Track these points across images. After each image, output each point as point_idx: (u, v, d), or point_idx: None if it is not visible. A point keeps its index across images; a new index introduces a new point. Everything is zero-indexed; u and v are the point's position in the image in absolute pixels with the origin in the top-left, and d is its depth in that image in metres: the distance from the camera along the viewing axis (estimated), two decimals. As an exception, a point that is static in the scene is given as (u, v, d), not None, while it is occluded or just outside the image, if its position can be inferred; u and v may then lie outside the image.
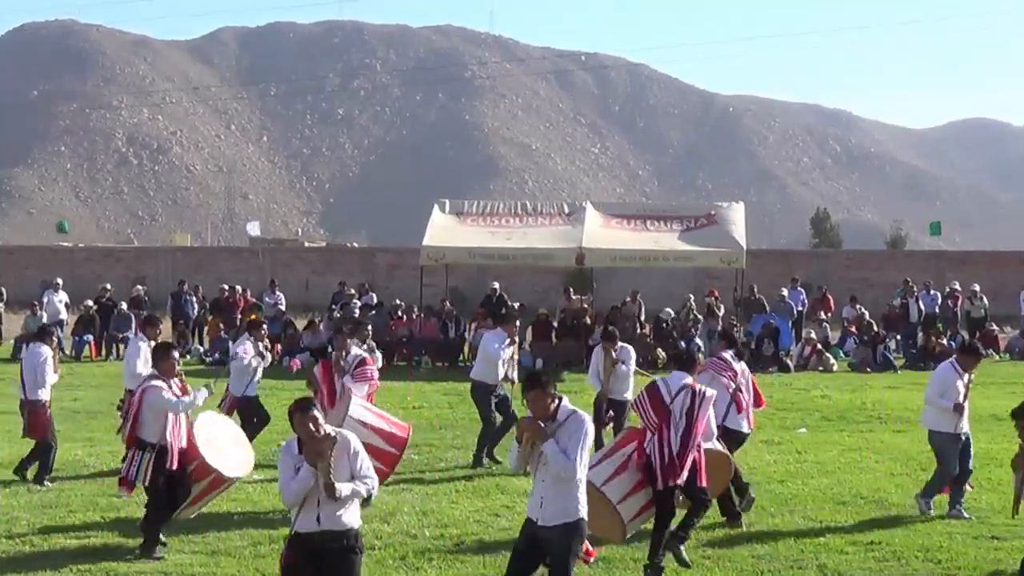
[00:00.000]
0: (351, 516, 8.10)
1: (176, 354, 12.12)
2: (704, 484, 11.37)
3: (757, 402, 13.98)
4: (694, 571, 11.19)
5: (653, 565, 11.01)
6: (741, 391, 13.41)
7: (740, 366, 13.64)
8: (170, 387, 11.65)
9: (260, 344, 16.32)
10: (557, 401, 8.27)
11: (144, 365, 14.50)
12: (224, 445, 12.23)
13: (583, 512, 8.26)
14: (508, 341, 16.88)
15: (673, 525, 11.27)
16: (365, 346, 17.81)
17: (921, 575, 11.22)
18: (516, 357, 17.53)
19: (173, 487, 11.74)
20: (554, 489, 8.19)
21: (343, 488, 7.89)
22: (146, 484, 11.64)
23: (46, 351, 15.41)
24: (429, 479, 15.54)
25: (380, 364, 17.35)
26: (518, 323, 17.32)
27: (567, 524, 8.19)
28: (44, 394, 15.20)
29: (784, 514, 13.44)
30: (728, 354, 13.66)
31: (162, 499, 11.68)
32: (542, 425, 8.19)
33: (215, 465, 11.95)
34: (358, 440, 8.32)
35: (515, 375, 17.23)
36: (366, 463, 8.17)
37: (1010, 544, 12.10)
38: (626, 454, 11.33)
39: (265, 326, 15.57)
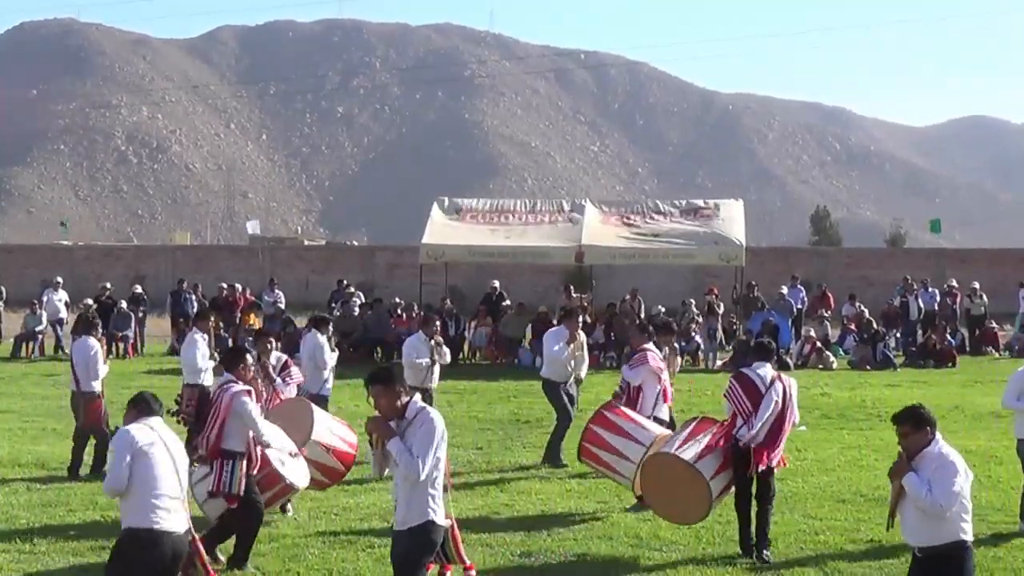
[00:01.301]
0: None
1: (250, 359, 11.81)
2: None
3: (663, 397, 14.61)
4: (694, 569, 11.18)
5: (761, 556, 11.46)
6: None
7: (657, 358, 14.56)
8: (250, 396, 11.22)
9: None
10: (407, 398, 7.97)
11: (203, 359, 15.93)
12: (284, 455, 12.01)
13: (433, 515, 7.90)
14: (568, 337, 16.33)
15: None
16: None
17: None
18: (583, 354, 16.93)
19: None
20: (405, 491, 7.93)
21: None
22: (240, 495, 10.98)
23: (94, 343, 15.84)
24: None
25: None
26: (581, 319, 16.88)
27: (412, 528, 7.90)
28: (97, 385, 15.63)
29: (784, 512, 13.42)
30: (649, 345, 14.65)
31: (255, 510, 11.19)
32: (390, 424, 7.92)
33: (284, 474, 11.76)
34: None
35: (583, 373, 16.97)
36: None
37: (1010, 542, 12.11)
38: (709, 435, 11.81)
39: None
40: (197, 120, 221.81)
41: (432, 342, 16.86)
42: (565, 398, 16.50)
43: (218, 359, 15.96)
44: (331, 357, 16.49)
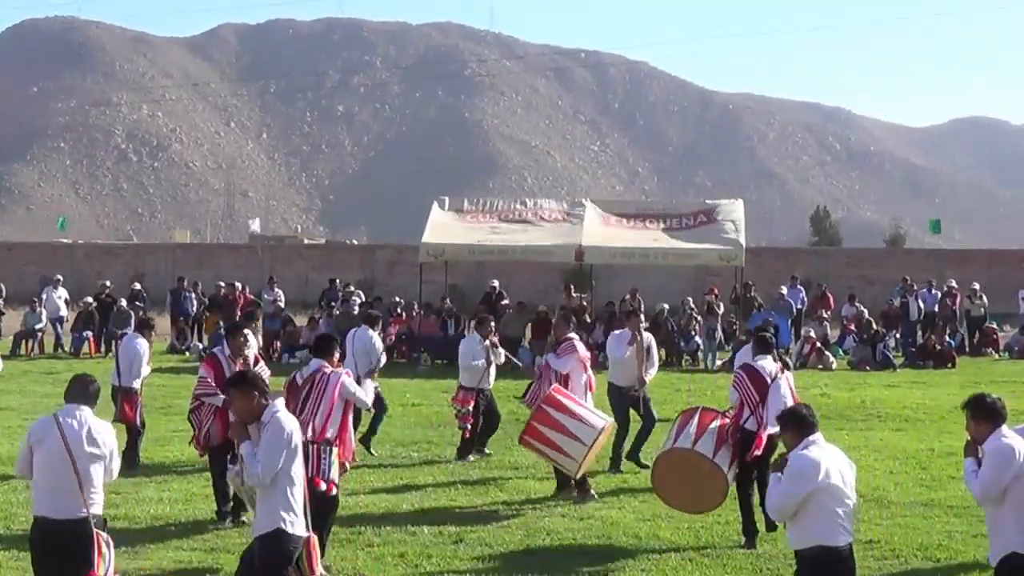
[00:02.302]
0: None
1: (251, 338, 12.69)
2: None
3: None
4: (693, 570, 11.19)
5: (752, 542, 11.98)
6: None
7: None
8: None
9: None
10: (265, 401, 7.90)
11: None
12: None
13: (283, 524, 7.77)
14: (630, 339, 15.77)
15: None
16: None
17: (920, 574, 11.22)
18: (652, 357, 16.35)
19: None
20: (258, 496, 7.91)
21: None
22: (336, 481, 11.05)
23: (143, 343, 16.15)
24: (428, 476, 15.54)
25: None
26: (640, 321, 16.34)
27: (263, 536, 7.83)
28: (137, 384, 15.92)
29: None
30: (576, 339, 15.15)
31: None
32: (245, 427, 7.89)
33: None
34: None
35: (649, 375, 16.25)
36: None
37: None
38: (717, 427, 12.10)
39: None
40: (197, 118, 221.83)
41: (487, 343, 16.66)
42: (629, 404, 15.89)
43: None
44: (383, 354, 16.96)
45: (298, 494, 7.86)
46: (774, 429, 11.36)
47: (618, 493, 14.53)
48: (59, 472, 8.14)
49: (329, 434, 10.84)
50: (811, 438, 7.93)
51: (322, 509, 10.57)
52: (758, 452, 11.99)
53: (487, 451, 17.03)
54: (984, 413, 8.04)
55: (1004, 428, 7.99)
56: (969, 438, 8.19)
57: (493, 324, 17.98)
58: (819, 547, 7.74)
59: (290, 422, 7.88)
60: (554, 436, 13.38)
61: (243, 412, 7.96)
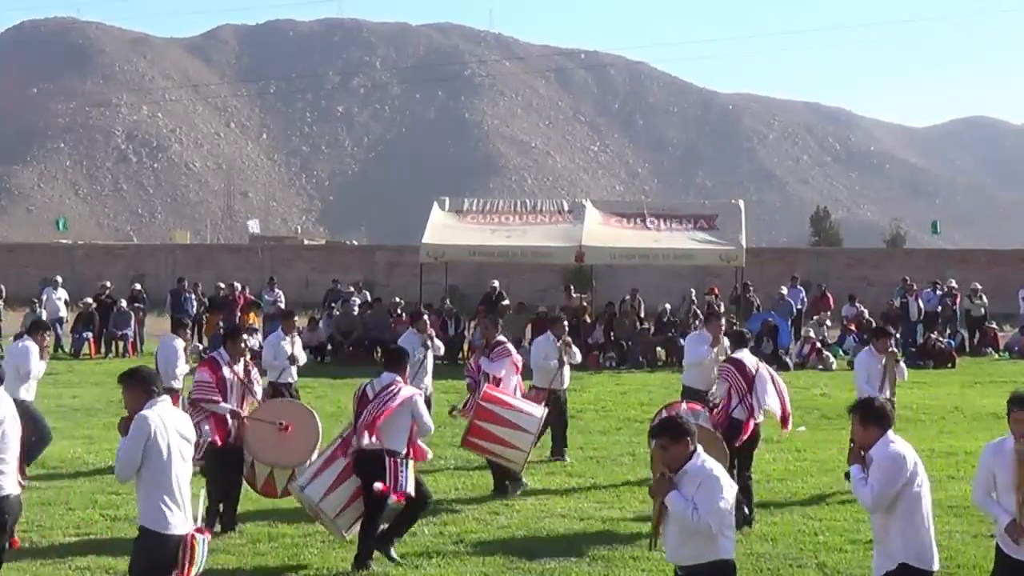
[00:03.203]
0: None
1: (249, 340, 12.66)
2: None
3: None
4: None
5: (750, 523, 12.67)
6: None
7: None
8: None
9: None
10: (150, 399, 7.85)
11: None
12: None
13: (147, 521, 7.71)
14: (712, 341, 15.31)
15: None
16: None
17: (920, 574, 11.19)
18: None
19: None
20: (137, 493, 7.88)
21: None
22: (411, 492, 11.15)
23: (180, 344, 16.24)
24: (428, 477, 15.51)
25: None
26: (721, 323, 15.89)
27: (139, 530, 7.84)
28: (177, 383, 15.92)
29: (784, 512, 13.45)
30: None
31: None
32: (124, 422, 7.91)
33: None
34: None
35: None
36: None
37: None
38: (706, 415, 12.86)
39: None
40: (197, 119, 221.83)
41: (560, 343, 16.34)
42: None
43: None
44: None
45: (170, 488, 7.71)
46: (762, 417, 12.75)
47: (618, 494, 14.52)
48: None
49: (394, 445, 10.92)
50: (699, 447, 7.68)
51: (374, 511, 11.05)
52: (745, 437, 12.96)
53: (567, 457, 16.76)
54: (873, 417, 7.83)
55: (891, 433, 7.80)
56: (853, 443, 7.97)
57: (566, 324, 17.63)
58: (720, 561, 7.53)
59: (151, 421, 7.70)
60: (499, 431, 13.59)
61: (131, 407, 7.92)
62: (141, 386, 7.92)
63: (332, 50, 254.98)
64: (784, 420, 13.49)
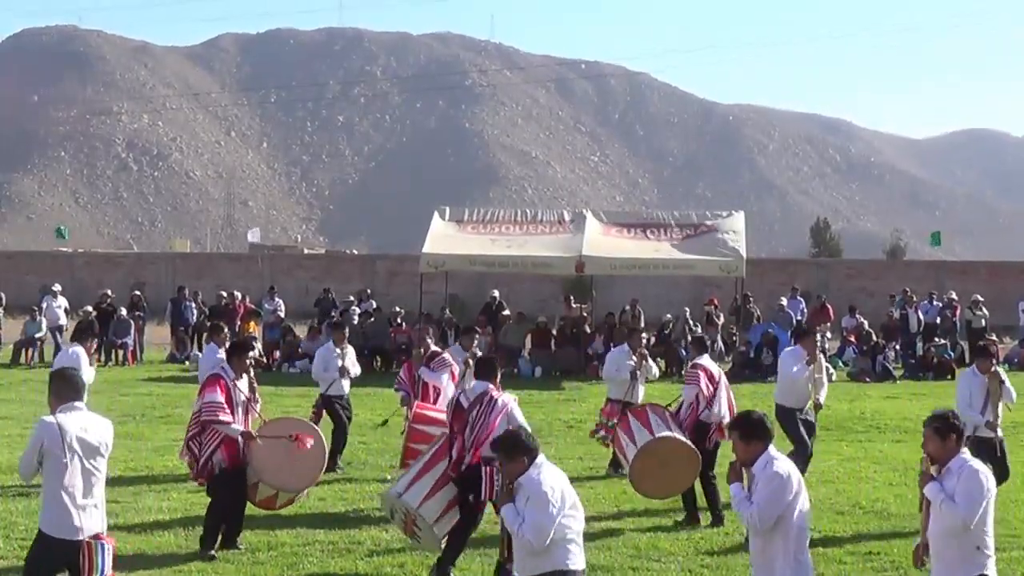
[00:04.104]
0: None
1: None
2: None
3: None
4: (692, 580, 11.20)
5: (720, 519, 13.32)
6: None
7: None
8: None
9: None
10: (55, 403, 7.93)
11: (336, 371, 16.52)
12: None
13: (41, 524, 7.87)
14: (807, 359, 14.66)
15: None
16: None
17: (919, 585, 11.20)
18: (823, 377, 15.26)
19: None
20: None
21: None
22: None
23: (223, 353, 15.88)
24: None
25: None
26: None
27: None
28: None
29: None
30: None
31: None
32: None
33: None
34: None
35: (823, 397, 15.13)
36: None
37: (1008, 555, 12.08)
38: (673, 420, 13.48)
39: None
40: (198, 127, 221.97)
41: (635, 356, 15.95)
42: (803, 428, 14.75)
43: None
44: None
45: (69, 498, 7.78)
46: (727, 419, 13.20)
47: (617, 503, 14.52)
48: None
49: (484, 453, 10.92)
50: (538, 460, 7.60)
51: (469, 520, 11.22)
52: (714, 439, 13.66)
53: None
54: (756, 432, 7.64)
55: (774, 449, 7.65)
56: (734, 459, 7.78)
57: (644, 337, 17.19)
58: (558, 572, 7.44)
59: (46, 427, 7.80)
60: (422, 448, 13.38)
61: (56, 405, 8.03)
62: (53, 391, 8.06)
63: (333, 59, 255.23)
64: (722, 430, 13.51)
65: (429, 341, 15.47)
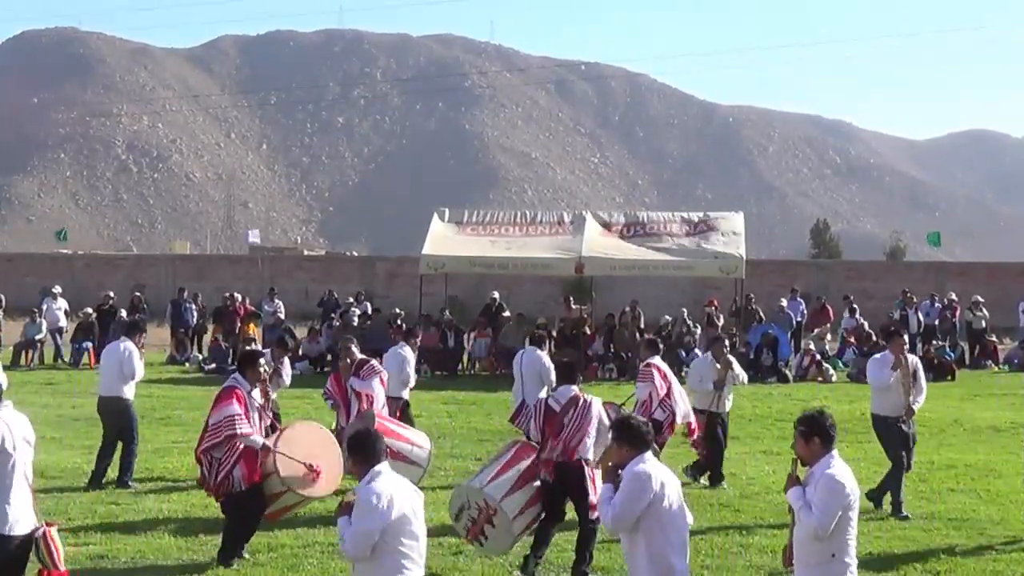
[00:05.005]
0: None
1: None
2: None
3: None
4: (692, 581, 11.19)
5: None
6: None
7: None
8: None
9: None
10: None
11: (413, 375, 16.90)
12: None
13: (1, 527, 7.91)
14: (894, 362, 13.98)
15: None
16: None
17: (920, 586, 11.21)
18: (920, 382, 14.31)
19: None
20: None
21: None
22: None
23: (285, 361, 16.45)
24: (427, 488, 15.50)
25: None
26: (902, 342, 14.45)
27: None
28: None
29: (782, 525, 13.41)
30: None
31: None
32: None
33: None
34: None
35: (918, 403, 14.26)
36: None
37: (1008, 556, 12.09)
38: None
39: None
40: (197, 129, 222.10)
41: (719, 364, 15.55)
42: (900, 441, 14.11)
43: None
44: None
45: (15, 495, 7.90)
46: (680, 420, 14.22)
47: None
48: None
49: (587, 455, 11.19)
50: (376, 468, 7.32)
51: (554, 519, 11.40)
52: (668, 436, 14.31)
53: (724, 484, 15.73)
54: (628, 436, 7.67)
55: (647, 454, 7.61)
56: (611, 462, 7.81)
57: (727, 343, 16.79)
58: None
59: (9, 423, 7.96)
60: (398, 446, 13.31)
61: None
62: None
63: (333, 61, 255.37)
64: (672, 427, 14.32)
65: (354, 350, 15.35)
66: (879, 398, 14.20)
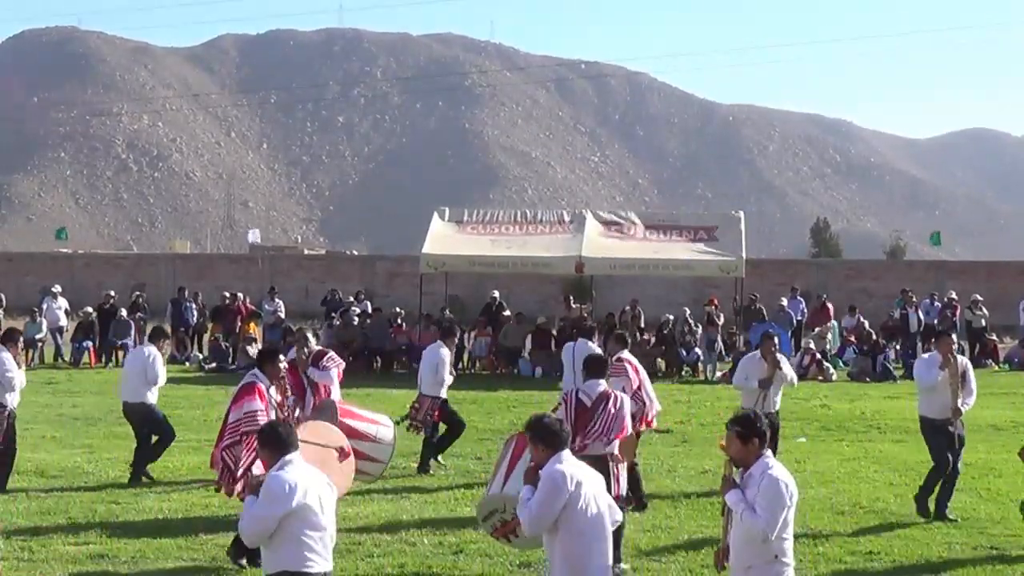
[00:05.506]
0: None
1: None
2: None
3: None
4: (693, 580, 11.21)
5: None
6: None
7: None
8: None
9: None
10: None
11: (448, 374, 16.71)
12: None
13: None
14: (941, 363, 13.69)
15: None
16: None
17: (920, 585, 11.22)
18: (968, 383, 13.80)
19: None
20: None
21: None
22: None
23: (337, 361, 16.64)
24: (428, 487, 15.52)
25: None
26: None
27: None
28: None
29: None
30: None
31: None
32: None
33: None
34: None
35: (967, 405, 13.74)
36: None
37: (1009, 554, 12.09)
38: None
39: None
40: (198, 128, 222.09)
41: (767, 363, 15.09)
42: (946, 444, 13.70)
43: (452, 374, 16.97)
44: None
45: None
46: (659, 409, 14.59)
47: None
48: None
49: (612, 448, 11.29)
50: (285, 458, 7.44)
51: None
52: (642, 429, 14.31)
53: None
54: (543, 436, 7.63)
55: (564, 453, 7.57)
56: (530, 462, 7.80)
57: (777, 341, 16.22)
58: (280, 572, 7.31)
59: None
60: (360, 446, 13.30)
61: None
62: None
63: (333, 60, 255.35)
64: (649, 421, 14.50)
65: (311, 341, 15.30)
66: (926, 399, 13.89)
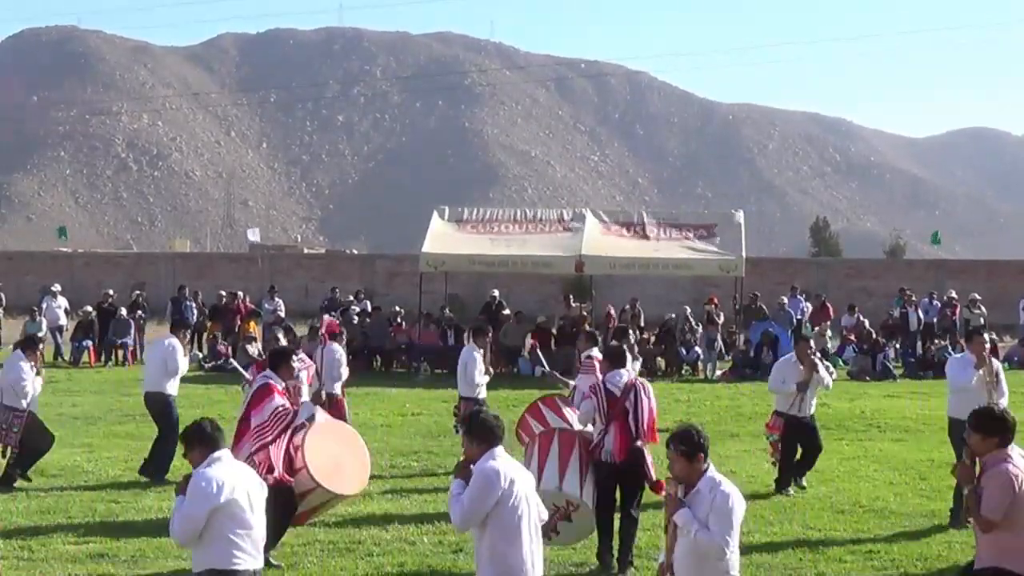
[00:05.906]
0: None
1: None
2: None
3: None
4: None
5: None
6: None
7: None
8: None
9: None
10: None
11: (480, 375, 16.13)
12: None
13: None
14: (976, 362, 13.44)
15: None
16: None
17: (920, 584, 11.21)
18: (999, 383, 13.53)
19: None
20: None
21: None
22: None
23: (341, 351, 16.95)
24: (428, 486, 15.52)
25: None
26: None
27: None
28: (337, 387, 16.77)
29: (783, 522, 13.44)
30: None
31: None
32: None
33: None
34: None
35: (1002, 403, 12.57)
36: None
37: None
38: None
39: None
40: (197, 127, 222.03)
41: (803, 366, 14.88)
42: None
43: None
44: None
45: None
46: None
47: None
48: None
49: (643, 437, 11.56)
50: (494, 451, 7.57)
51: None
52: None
53: (803, 483, 15.45)
54: (477, 431, 7.62)
55: (497, 450, 7.52)
56: (463, 458, 7.84)
57: (812, 345, 16.11)
58: (207, 571, 7.37)
59: None
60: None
61: None
62: None
63: (332, 59, 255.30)
64: None
65: (282, 339, 15.33)
66: (957, 400, 13.49)
